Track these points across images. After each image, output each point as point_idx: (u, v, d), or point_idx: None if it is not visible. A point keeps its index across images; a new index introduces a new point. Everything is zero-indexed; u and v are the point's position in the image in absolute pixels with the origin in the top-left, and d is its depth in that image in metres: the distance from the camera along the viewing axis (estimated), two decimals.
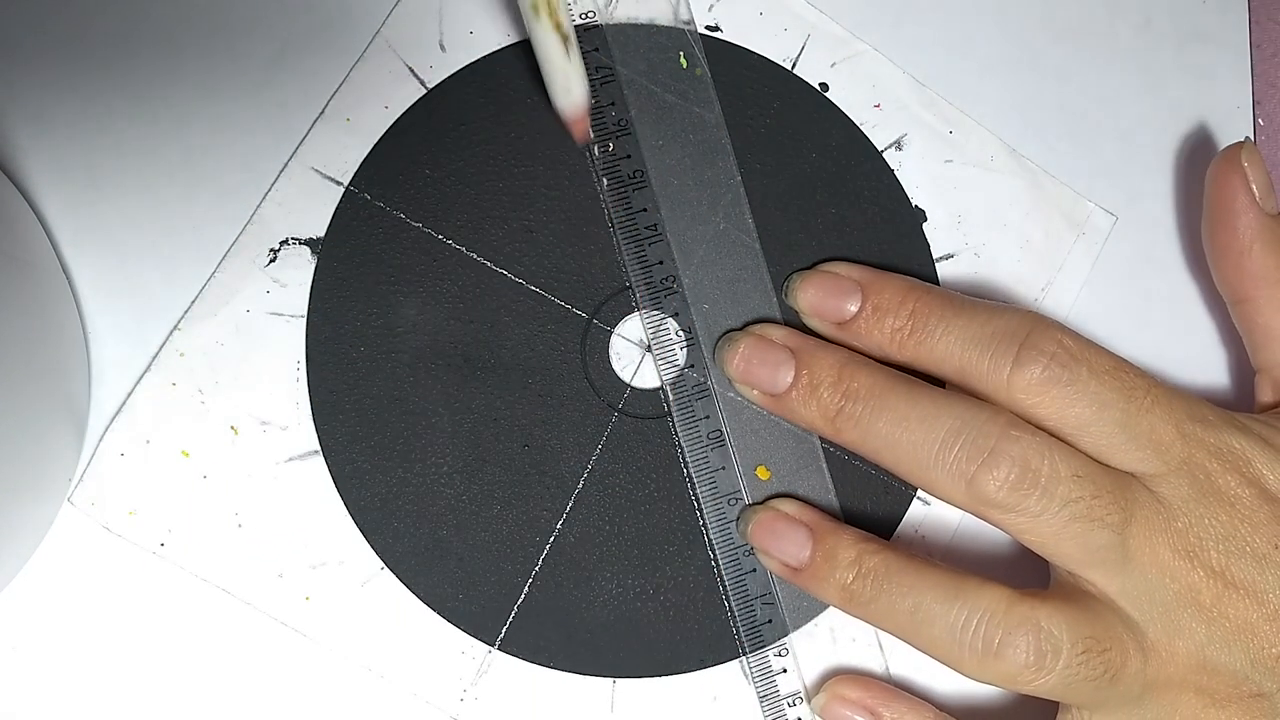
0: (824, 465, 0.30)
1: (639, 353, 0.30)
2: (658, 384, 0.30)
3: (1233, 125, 0.32)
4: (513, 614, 0.29)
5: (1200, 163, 0.32)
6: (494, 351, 0.29)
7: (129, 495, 0.28)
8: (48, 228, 0.29)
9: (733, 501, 0.30)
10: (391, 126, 0.29)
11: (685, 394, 0.30)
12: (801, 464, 0.30)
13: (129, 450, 0.28)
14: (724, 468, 0.30)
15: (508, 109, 0.30)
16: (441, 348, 0.29)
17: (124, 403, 0.29)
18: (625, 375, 0.30)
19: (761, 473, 0.30)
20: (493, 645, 0.29)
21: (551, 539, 0.29)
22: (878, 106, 0.31)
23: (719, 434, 0.30)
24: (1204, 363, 0.32)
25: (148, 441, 0.28)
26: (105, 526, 0.28)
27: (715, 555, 0.30)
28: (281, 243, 0.29)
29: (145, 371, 0.29)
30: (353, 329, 0.29)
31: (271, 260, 0.29)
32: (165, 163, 0.29)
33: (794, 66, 0.31)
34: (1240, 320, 0.30)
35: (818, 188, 0.30)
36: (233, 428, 0.29)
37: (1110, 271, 0.31)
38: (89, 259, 0.29)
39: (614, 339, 0.30)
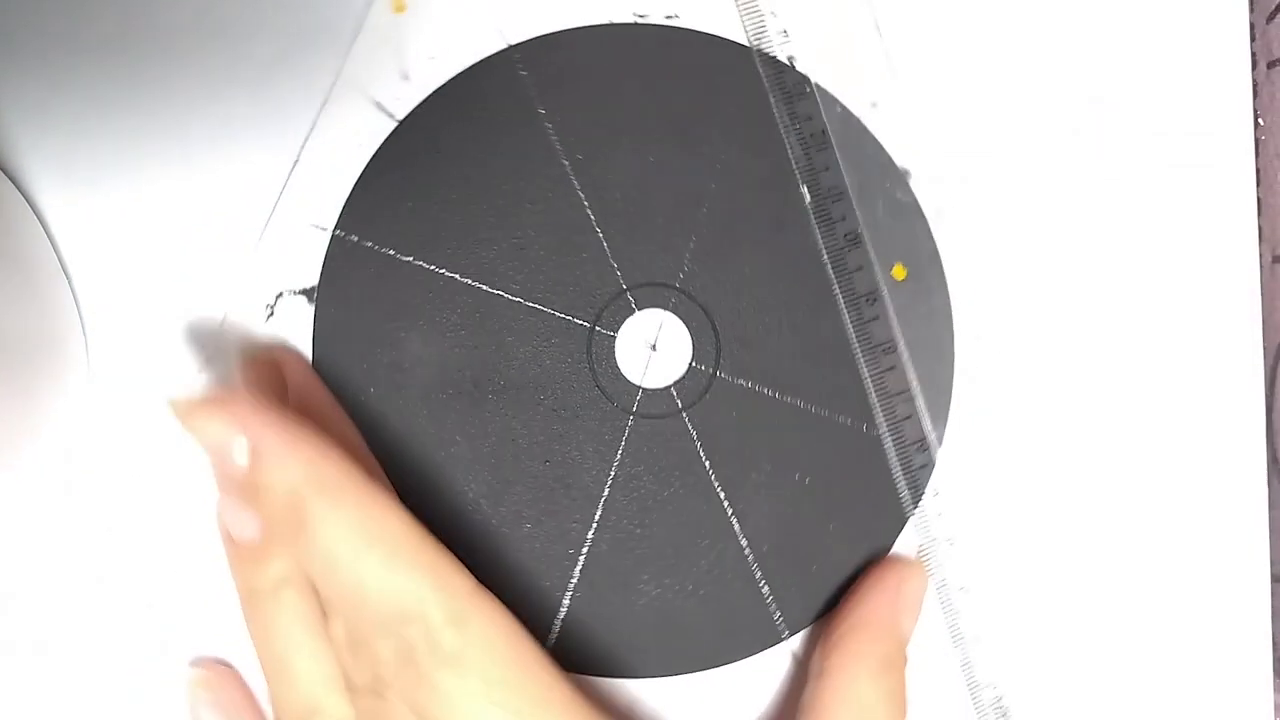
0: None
1: (646, 352, 0.30)
2: (668, 383, 0.30)
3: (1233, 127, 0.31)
4: (556, 629, 0.29)
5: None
6: (502, 373, 0.29)
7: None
8: (48, 228, 0.29)
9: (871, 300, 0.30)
10: (367, 165, 0.29)
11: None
12: None
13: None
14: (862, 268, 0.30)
15: (480, 129, 0.29)
16: (450, 377, 0.29)
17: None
18: (635, 378, 0.30)
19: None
20: None
21: (585, 550, 0.30)
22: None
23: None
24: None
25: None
26: (105, 527, 0.29)
27: (748, 541, 0.30)
28: (277, 296, 0.29)
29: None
30: (360, 372, 0.29)
31: (270, 315, 0.29)
32: (165, 163, 0.29)
33: None
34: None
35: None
36: None
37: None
38: (89, 259, 0.29)
39: (619, 342, 0.30)
